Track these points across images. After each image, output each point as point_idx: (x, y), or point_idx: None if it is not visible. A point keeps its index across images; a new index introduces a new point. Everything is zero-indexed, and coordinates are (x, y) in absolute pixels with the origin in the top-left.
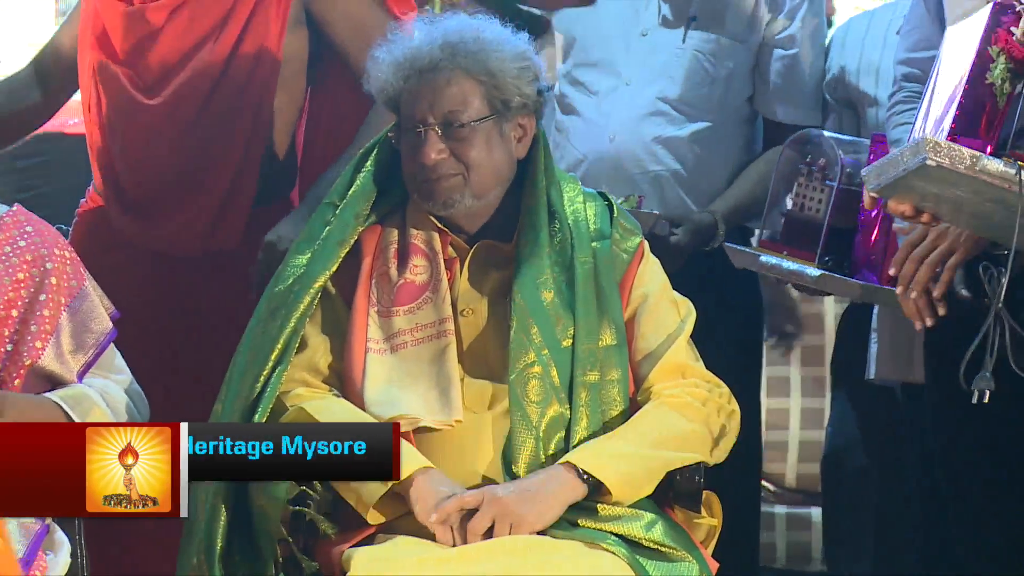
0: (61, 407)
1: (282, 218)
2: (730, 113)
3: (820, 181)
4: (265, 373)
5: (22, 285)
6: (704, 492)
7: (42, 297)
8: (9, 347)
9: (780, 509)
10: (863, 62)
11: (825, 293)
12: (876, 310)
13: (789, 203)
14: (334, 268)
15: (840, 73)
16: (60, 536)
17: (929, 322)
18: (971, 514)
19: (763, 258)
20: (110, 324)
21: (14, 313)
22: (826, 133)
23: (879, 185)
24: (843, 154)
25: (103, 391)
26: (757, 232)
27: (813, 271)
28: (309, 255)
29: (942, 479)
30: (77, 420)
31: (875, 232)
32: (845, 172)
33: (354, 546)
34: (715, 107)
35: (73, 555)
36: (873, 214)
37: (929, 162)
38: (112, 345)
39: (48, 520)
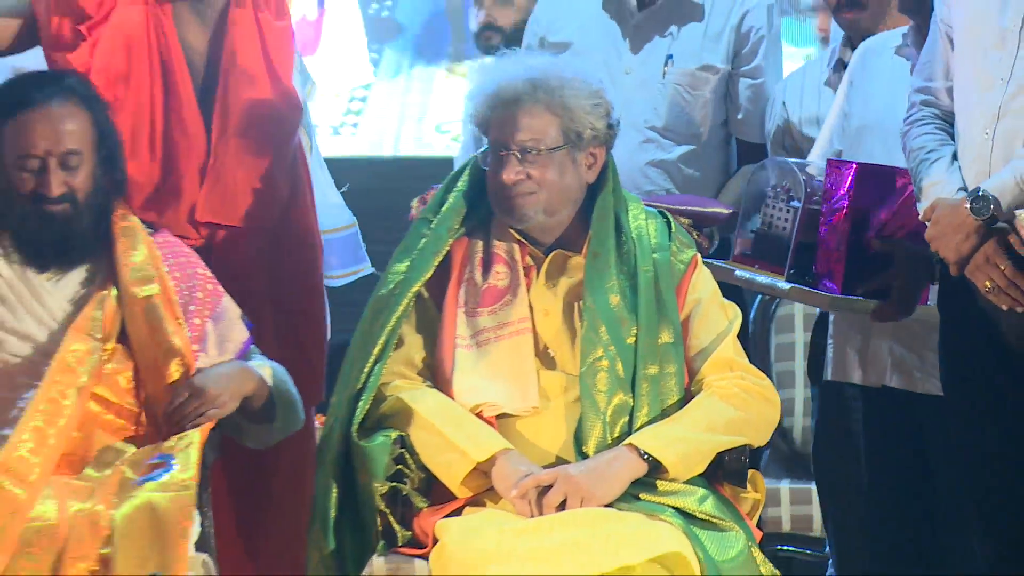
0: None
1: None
2: (709, 136)
3: (785, 202)
4: (368, 367)
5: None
6: (749, 470)
7: (192, 308)
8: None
9: (785, 484)
10: (804, 114)
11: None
12: (832, 318)
13: (758, 222)
14: (429, 275)
15: (785, 126)
16: None
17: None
18: (984, 519)
19: (738, 272)
20: (247, 333)
21: (176, 309)
22: (790, 160)
23: None
24: (804, 177)
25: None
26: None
27: (784, 284)
28: (408, 263)
29: (955, 483)
30: (274, 389)
31: (832, 246)
32: (807, 193)
33: (445, 517)
34: (696, 131)
35: (202, 524)
36: (831, 229)
37: None
38: (254, 346)
39: None
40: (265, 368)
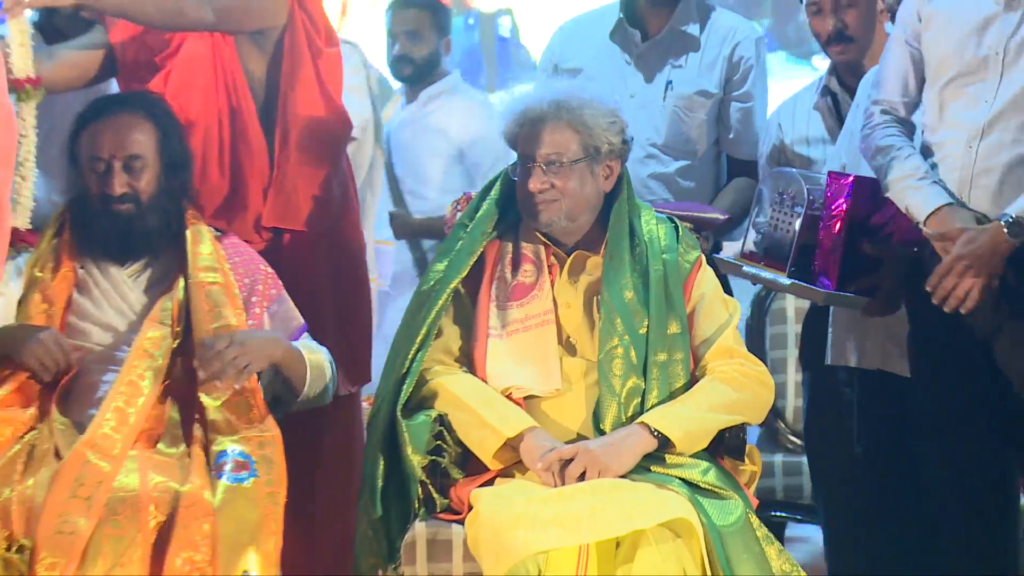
0: (302, 353)
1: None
2: (702, 153)
3: (790, 208)
4: (411, 355)
5: (239, 290)
6: (747, 445)
7: (253, 299)
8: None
9: (778, 457)
10: (795, 135)
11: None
12: (832, 310)
13: (765, 224)
14: (465, 273)
15: (780, 146)
16: None
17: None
18: (954, 501)
19: (745, 267)
20: (301, 320)
21: (237, 300)
22: (795, 170)
23: None
24: (808, 186)
25: (317, 348)
26: (737, 243)
27: (785, 280)
28: (446, 263)
29: (927, 470)
30: (308, 361)
31: (829, 249)
32: (809, 201)
33: (478, 487)
34: (691, 148)
35: None
36: (829, 232)
37: None
38: (307, 333)
39: None
40: (313, 353)
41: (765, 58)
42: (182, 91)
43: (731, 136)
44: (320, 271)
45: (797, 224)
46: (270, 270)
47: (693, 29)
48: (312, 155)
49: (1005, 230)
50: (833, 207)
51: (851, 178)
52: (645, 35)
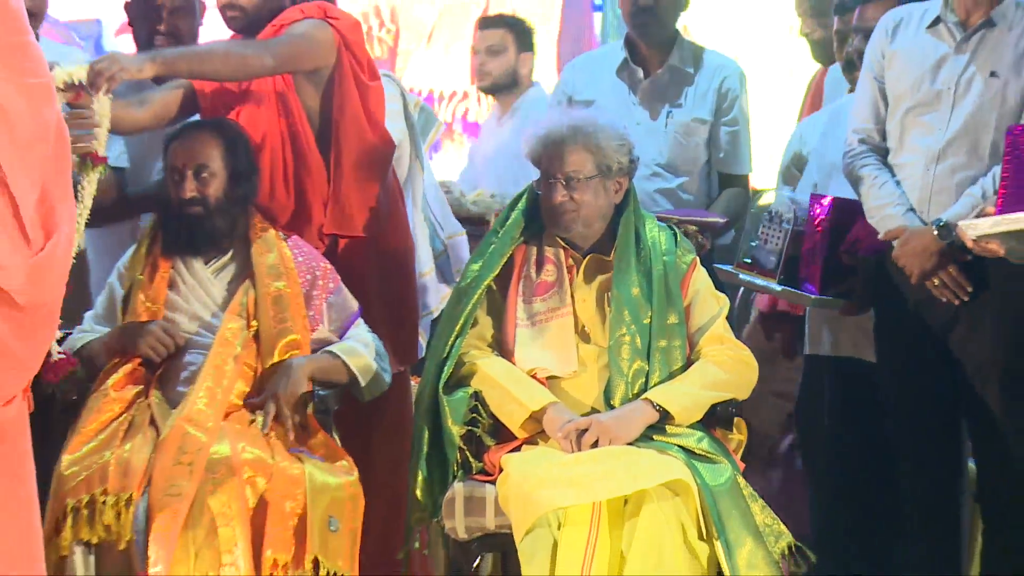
0: (341, 358)
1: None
2: (698, 170)
3: (778, 225)
4: (451, 341)
5: (302, 285)
6: (735, 418)
7: (314, 292)
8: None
9: None
10: (812, 146)
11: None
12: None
13: (758, 238)
14: (496, 272)
15: (799, 152)
16: None
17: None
18: (909, 469)
19: (741, 275)
20: (356, 305)
21: (300, 301)
22: (783, 192)
23: (983, 235)
24: (794, 206)
25: (365, 343)
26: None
27: (776, 286)
28: (481, 263)
29: (892, 443)
30: (352, 365)
31: (812, 259)
32: (795, 218)
33: (508, 453)
34: (689, 167)
35: None
36: (811, 246)
37: None
38: (360, 319)
39: None
40: (358, 357)
41: (747, 90)
42: (251, 124)
43: (721, 155)
44: (370, 268)
45: (784, 238)
46: (328, 265)
47: (688, 67)
48: (362, 172)
49: (935, 232)
50: (815, 224)
51: (830, 199)
52: (647, 73)
